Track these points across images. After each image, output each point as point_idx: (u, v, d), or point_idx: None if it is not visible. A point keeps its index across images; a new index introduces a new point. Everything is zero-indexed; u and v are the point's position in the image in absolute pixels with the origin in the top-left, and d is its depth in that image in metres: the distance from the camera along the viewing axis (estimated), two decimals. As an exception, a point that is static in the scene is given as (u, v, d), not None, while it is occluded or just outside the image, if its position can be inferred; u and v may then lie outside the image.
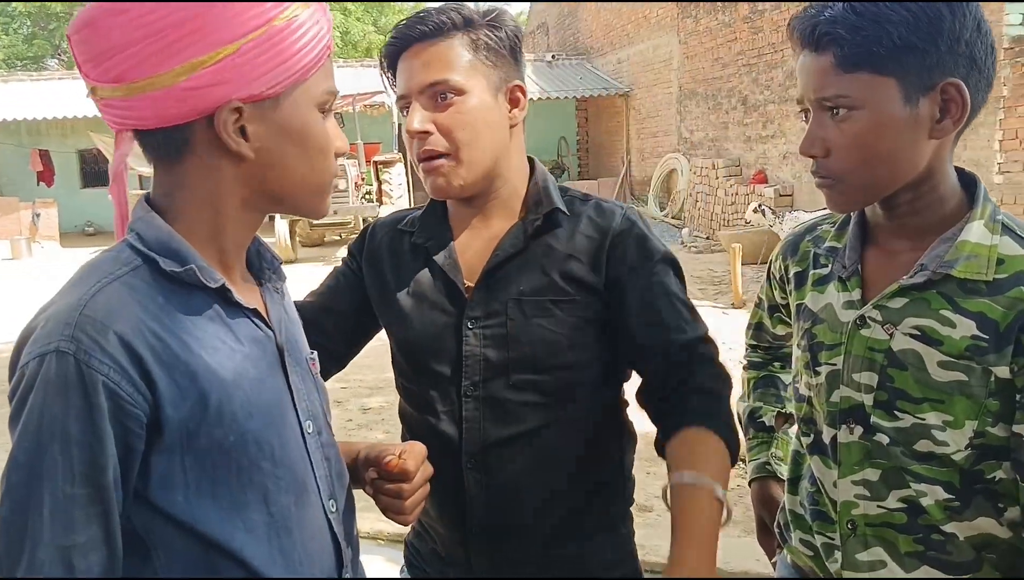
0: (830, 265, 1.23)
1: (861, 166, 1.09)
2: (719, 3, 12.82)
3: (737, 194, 12.32)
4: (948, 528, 1.12)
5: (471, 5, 1.28)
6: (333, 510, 1.03)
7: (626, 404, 1.41)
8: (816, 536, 1.23)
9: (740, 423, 1.44)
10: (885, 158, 1.08)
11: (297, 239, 13.63)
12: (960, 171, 1.16)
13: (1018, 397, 1.06)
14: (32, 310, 0.94)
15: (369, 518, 3.62)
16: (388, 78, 1.32)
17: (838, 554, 1.20)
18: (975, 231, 1.09)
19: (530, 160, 1.38)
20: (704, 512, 1.06)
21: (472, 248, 1.33)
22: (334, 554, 1.02)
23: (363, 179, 13.76)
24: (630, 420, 1.42)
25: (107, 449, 0.83)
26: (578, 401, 1.30)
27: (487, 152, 1.26)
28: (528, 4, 24.45)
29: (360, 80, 16.96)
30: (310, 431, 1.01)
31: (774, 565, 1.41)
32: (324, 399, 1.08)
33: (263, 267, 1.06)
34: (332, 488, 1.04)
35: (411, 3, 24.37)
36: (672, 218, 14.20)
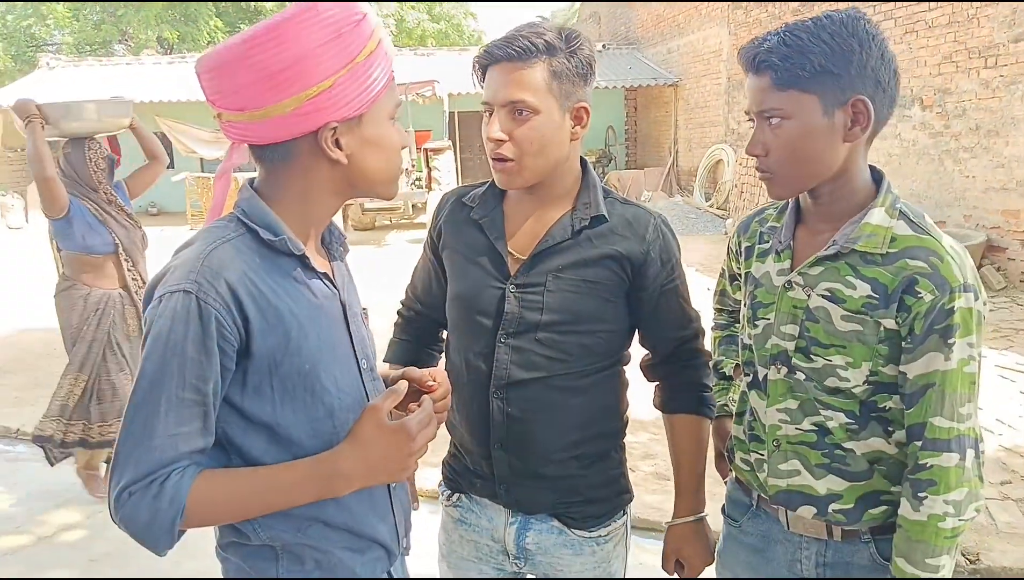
0: (771, 241, 1.55)
1: (791, 163, 1.40)
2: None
3: (781, 186, 12.37)
4: (848, 445, 1.44)
5: (554, 31, 1.55)
6: None
7: (628, 360, 1.75)
8: (751, 454, 1.56)
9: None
10: (809, 157, 1.39)
11: (350, 223, 14.04)
12: (872, 168, 1.46)
13: (903, 343, 1.37)
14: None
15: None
16: (479, 81, 1.61)
17: (766, 466, 1.53)
18: (876, 215, 1.40)
19: (583, 162, 1.69)
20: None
21: (523, 227, 1.66)
22: None
23: (413, 165, 14.10)
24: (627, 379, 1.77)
25: (212, 365, 1.11)
26: (588, 359, 1.63)
27: (548, 161, 1.58)
28: (581, -7, 24.58)
29: (413, 68, 17.29)
30: (364, 367, 1.34)
31: (726, 484, 1.74)
32: (372, 344, 1.41)
33: (332, 242, 1.36)
34: None
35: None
36: (717, 208, 14.35)
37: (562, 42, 1.54)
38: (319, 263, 1.28)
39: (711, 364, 1.80)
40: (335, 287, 1.30)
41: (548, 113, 1.53)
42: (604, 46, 19.65)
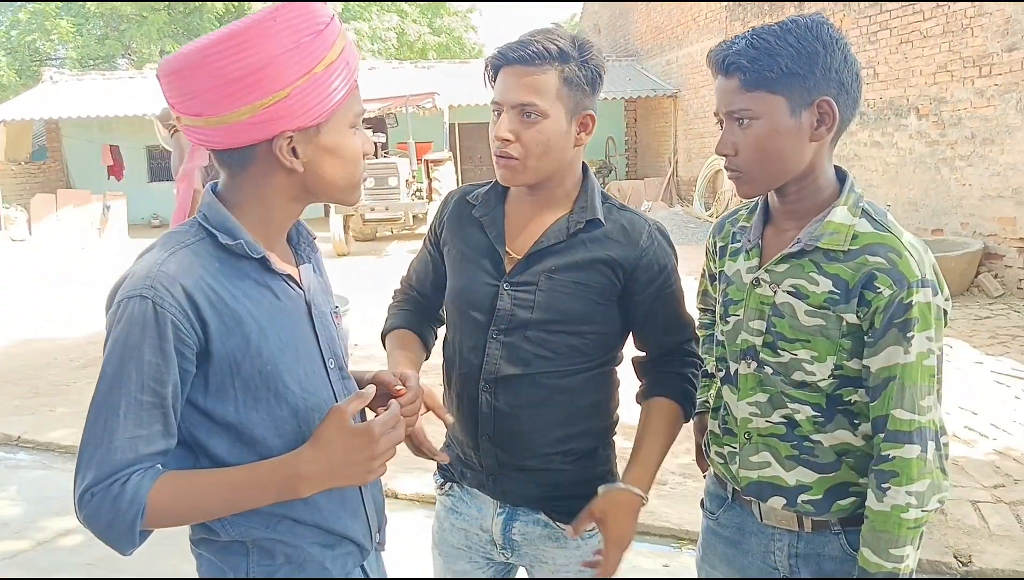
0: (742, 240, 1.59)
1: (760, 162, 1.45)
2: (766, 5, 12.98)
3: (779, 195, 12.42)
4: (816, 438, 1.48)
5: (567, 38, 1.57)
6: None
7: (619, 361, 1.78)
8: (725, 447, 1.60)
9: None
10: (777, 156, 1.43)
11: (351, 234, 14.11)
12: (837, 168, 1.51)
13: (865, 338, 1.41)
14: (101, 295, 1.26)
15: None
16: (490, 82, 1.65)
17: (738, 459, 1.57)
18: (838, 214, 1.44)
19: (584, 167, 1.73)
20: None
21: (521, 227, 1.71)
22: None
23: (414, 176, 14.16)
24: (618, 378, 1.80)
25: (170, 368, 1.13)
26: (576, 358, 1.67)
27: (551, 164, 1.62)
28: (581, 5, 24.75)
29: (414, 81, 17.39)
30: (332, 366, 1.34)
31: (705, 478, 1.77)
32: (344, 342, 1.42)
33: (300, 242, 1.38)
34: None
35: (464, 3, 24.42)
36: (716, 218, 14.37)
37: (575, 50, 1.58)
38: (282, 265, 1.30)
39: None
40: (300, 288, 1.32)
41: (556, 118, 1.57)
42: (604, 58, 19.72)
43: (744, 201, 1.61)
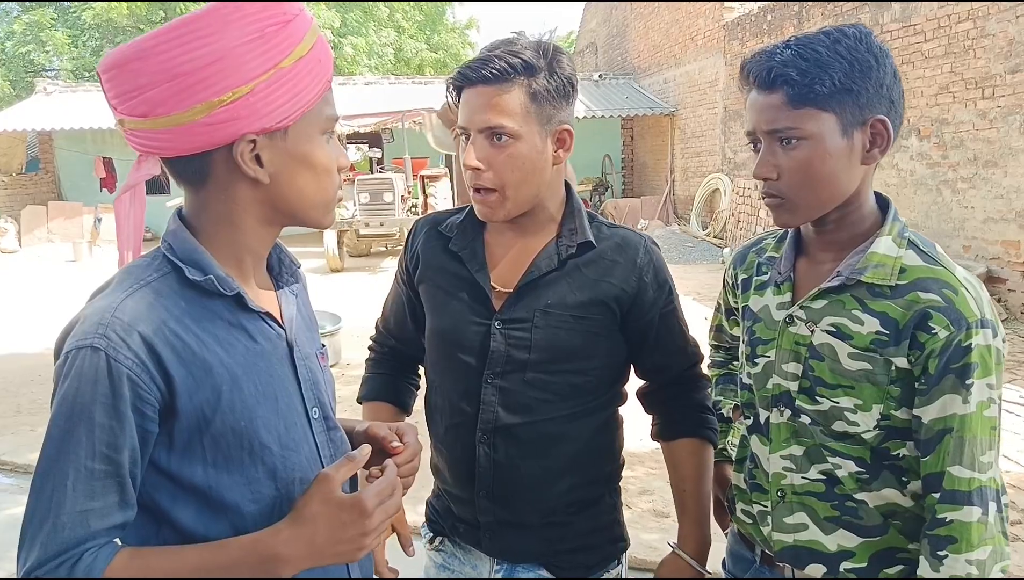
0: (769, 273, 1.44)
1: (806, 187, 1.29)
2: (764, 24, 12.93)
3: (778, 215, 12.33)
4: (860, 496, 1.32)
5: (532, 48, 1.42)
6: None
7: (624, 399, 1.63)
8: (753, 505, 1.44)
9: None
10: (826, 180, 1.28)
11: (344, 249, 13.98)
12: (877, 195, 1.36)
13: (916, 384, 1.25)
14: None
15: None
16: (453, 103, 1.49)
17: (770, 519, 1.40)
18: (883, 244, 1.29)
19: (567, 186, 1.58)
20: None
21: (506, 258, 1.55)
22: None
23: (409, 193, 14.06)
24: (621, 416, 1.65)
25: (126, 430, 0.96)
26: (579, 398, 1.51)
27: (531, 189, 1.46)
28: (578, 24, 24.73)
29: (411, 97, 17.30)
30: (315, 416, 1.16)
31: (726, 535, 1.61)
32: (331, 387, 1.24)
33: (282, 271, 1.21)
34: None
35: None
36: (714, 237, 14.27)
37: (541, 59, 1.42)
38: (261, 301, 1.13)
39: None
40: (280, 326, 1.15)
41: (528, 138, 1.42)
42: (601, 76, 19.71)
43: (773, 228, 1.46)
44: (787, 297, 1.38)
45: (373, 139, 16.41)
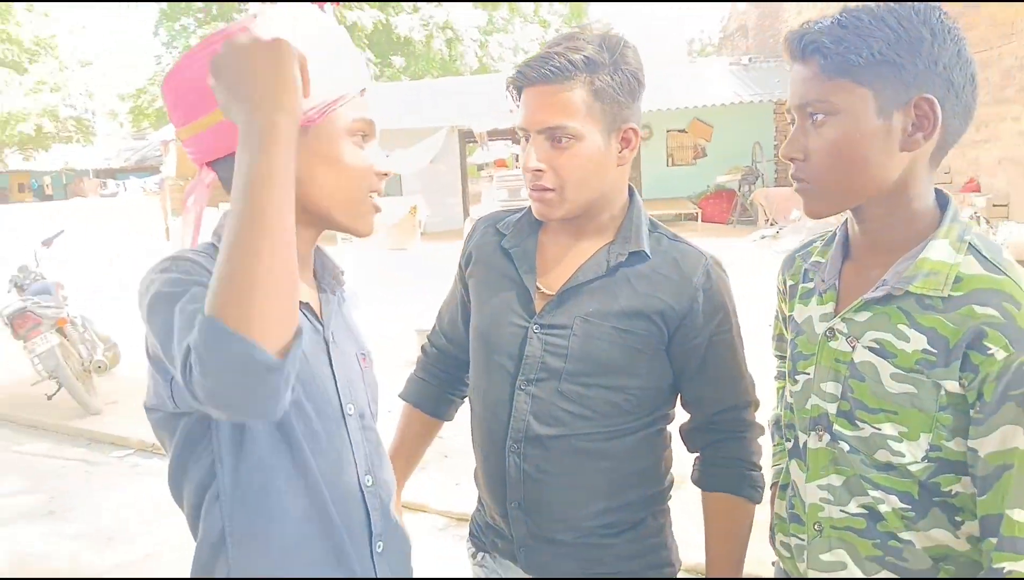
0: (815, 279, 1.28)
1: (834, 170, 1.15)
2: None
3: (944, 202, 11.43)
4: (905, 536, 1.15)
5: (595, 43, 1.36)
6: (369, 484, 1.19)
7: (671, 419, 1.52)
8: (791, 537, 1.29)
9: (769, 429, 1.52)
10: (857, 164, 1.13)
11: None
12: (938, 192, 1.18)
13: (972, 412, 1.08)
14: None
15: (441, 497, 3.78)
16: (514, 103, 1.44)
17: (806, 554, 1.25)
18: (937, 249, 1.12)
19: (630, 189, 1.50)
20: None
21: (557, 260, 1.48)
22: (366, 521, 1.18)
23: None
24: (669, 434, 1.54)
25: None
26: (617, 418, 1.42)
27: (591, 190, 1.40)
28: (730, 6, 23.91)
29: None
30: (350, 413, 1.19)
31: (773, 567, 1.46)
32: (371, 392, 1.26)
33: (325, 275, 1.26)
34: (370, 466, 1.21)
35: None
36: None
37: (605, 54, 1.35)
38: (303, 296, 1.16)
39: (770, 420, 1.54)
40: (319, 322, 1.19)
41: (591, 138, 1.36)
42: (750, 59, 18.94)
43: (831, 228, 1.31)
44: (829, 307, 1.23)
45: (512, 135, 16.55)
